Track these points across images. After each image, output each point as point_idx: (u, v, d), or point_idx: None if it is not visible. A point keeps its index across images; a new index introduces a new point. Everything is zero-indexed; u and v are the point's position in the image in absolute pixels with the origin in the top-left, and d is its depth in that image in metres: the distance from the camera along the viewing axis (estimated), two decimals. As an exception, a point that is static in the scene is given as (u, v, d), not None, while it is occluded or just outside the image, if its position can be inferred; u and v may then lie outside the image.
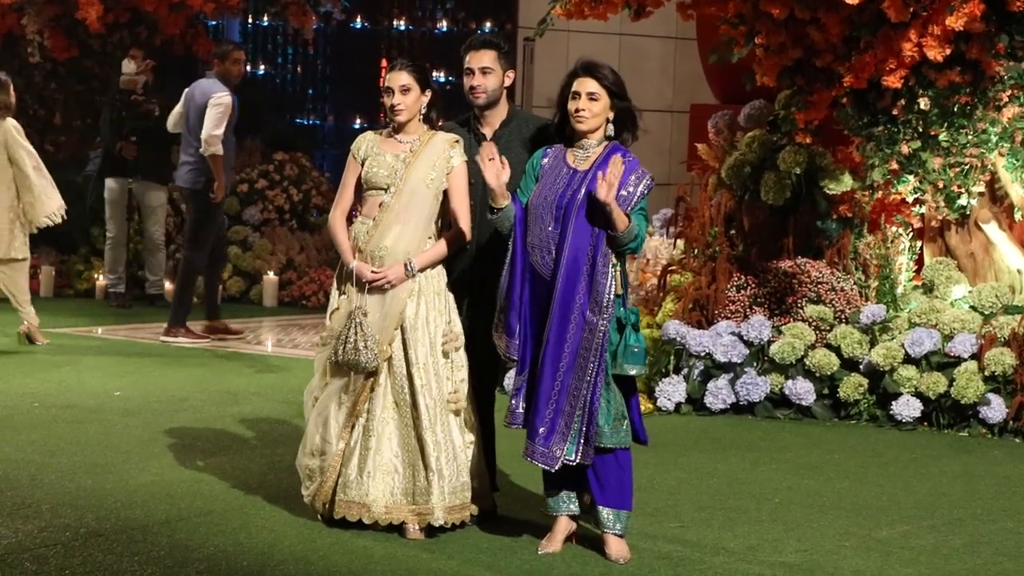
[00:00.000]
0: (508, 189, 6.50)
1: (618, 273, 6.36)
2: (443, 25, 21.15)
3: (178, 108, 13.04)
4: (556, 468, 6.35)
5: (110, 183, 14.99)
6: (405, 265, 6.69)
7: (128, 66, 14.95)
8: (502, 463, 7.54)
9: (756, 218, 11.23)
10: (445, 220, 6.87)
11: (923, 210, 10.75)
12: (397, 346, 6.70)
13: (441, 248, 6.79)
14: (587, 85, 6.47)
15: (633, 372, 6.39)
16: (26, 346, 12.19)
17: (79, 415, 9.34)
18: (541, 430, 6.35)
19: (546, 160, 6.53)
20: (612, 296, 6.31)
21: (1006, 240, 10.66)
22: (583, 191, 6.36)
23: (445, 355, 6.76)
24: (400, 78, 6.82)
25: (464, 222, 6.82)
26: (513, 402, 6.51)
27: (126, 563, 6.11)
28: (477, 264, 6.94)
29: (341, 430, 6.75)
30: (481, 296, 6.88)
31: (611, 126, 6.50)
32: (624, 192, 6.33)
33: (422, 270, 6.73)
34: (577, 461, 6.33)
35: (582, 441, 6.31)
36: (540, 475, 6.64)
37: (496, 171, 6.40)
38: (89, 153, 16.03)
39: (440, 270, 6.82)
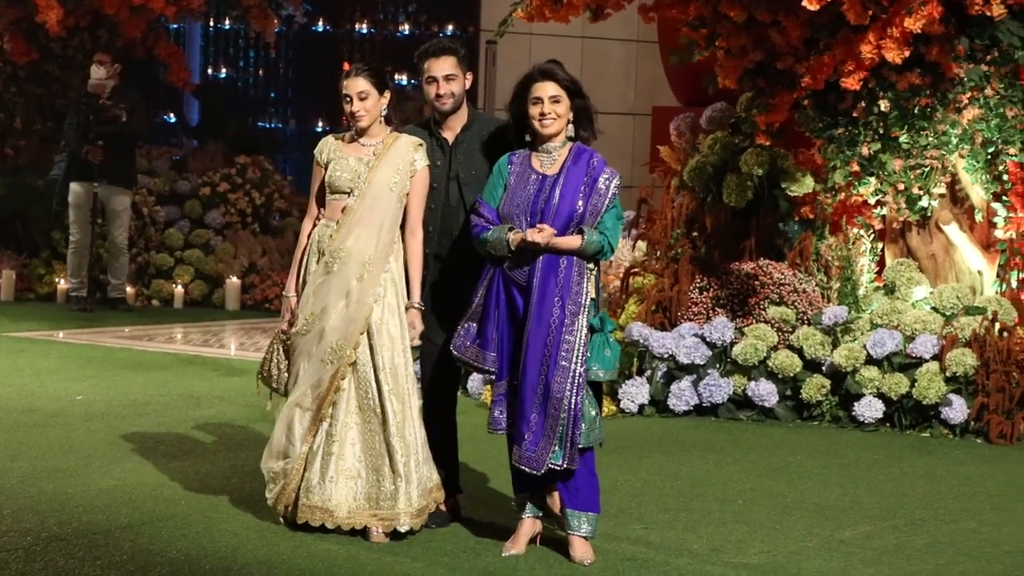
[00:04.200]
0: (474, 194, 6.64)
1: (592, 276, 6.41)
2: (405, 28, 21.10)
3: None
4: (542, 472, 6.35)
5: (75, 187, 14.90)
6: (414, 307, 6.76)
7: (98, 71, 14.85)
8: (466, 466, 7.54)
9: (718, 220, 11.26)
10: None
11: (884, 212, 10.80)
12: (363, 351, 6.69)
13: (419, 264, 6.80)
14: (548, 89, 6.48)
15: (602, 376, 6.43)
16: None
17: (40, 419, 9.29)
18: (527, 435, 6.34)
19: (512, 166, 6.54)
20: (587, 298, 6.36)
21: (967, 241, 10.71)
22: (556, 196, 6.40)
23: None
24: (357, 84, 6.80)
25: (420, 227, 6.82)
26: (496, 412, 6.48)
27: (88, 568, 6.09)
28: (437, 269, 6.95)
29: (305, 433, 6.73)
30: (442, 300, 6.89)
31: (571, 127, 6.52)
32: (593, 199, 6.40)
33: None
34: (564, 465, 6.34)
35: (568, 445, 6.32)
36: (505, 477, 6.66)
37: (547, 232, 6.37)
38: (54, 157, 15.95)
39: (401, 275, 6.81)
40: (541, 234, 6.32)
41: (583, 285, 6.38)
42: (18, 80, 16.54)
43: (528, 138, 6.57)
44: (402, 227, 6.82)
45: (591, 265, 6.43)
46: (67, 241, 15.20)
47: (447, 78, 6.92)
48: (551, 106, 6.47)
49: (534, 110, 6.49)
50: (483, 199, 6.56)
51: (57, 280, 15.81)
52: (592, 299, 6.41)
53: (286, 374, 6.90)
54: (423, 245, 6.84)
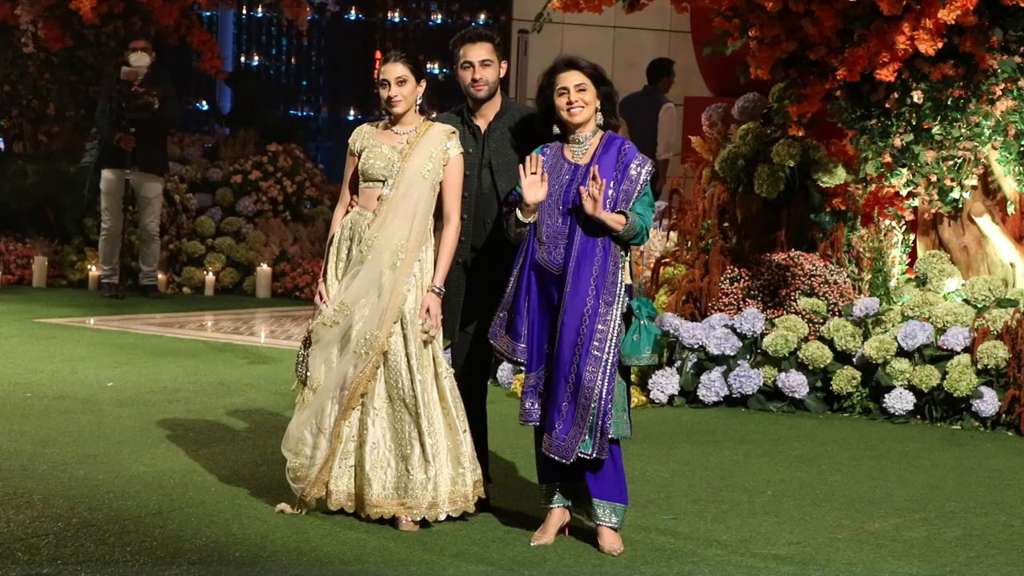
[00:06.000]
0: (507, 181, 6.66)
1: (627, 263, 6.41)
2: (437, 17, 21.10)
3: None
4: (572, 460, 6.34)
5: (107, 174, 14.94)
6: (433, 291, 6.71)
7: (142, 59, 14.85)
8: (495, 455, 7.54)
9: (749, 211, 11.22)
10: (438, 211, 6.86)
11: (916, 203, 10.76)
12: (396, 340, 6.68)
13: (449, 251, 6.77)
14: (573, 78, 6.48)
15: (638, 363, 6.42)
16: None
17: (71, 405, 9.33)
18: (558, 424, 6.34)
19: (545, 157, 6.54)
20: (623, 285, 6.36)
21: (999, 233, 10.67)
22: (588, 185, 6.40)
23: (425, 344, 6.76)
24: (396, 70, 6.80)
25: (455, 215, 6.81)
26: (527, 403, 6.49)
27: (118, 553, 6.11)
28: (471, 257, 6.94)
29: (335, 423, 6.73)
30: (475, 289, 6.89)
31: (600, 115, 6.52)
32: (625, 185, 6.38)
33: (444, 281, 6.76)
34: (593, 455, 6.34)
35: (598, 435, 6.31)
36: (533, 466, 6.65)
37: (536, 187, 6.38)
38: (85, 144, 16.00)
39: (432, 263, 6.80)
40: (595, 183, 6.27)
41: (618, 274, 6.39)
42: (52, 67, 16.61)
43: (557, 130, 6.58)
44: (438, 215, 6.82)
45: (623, 253, 6.43)
46: (99, 228, 15.25)
47: (483, 63, 6.92)
48: (577, 95, 6.47)
49: (561, 100, 6.49)
50: (517, 191, 6.56)
51: (89, 267, 15.88)
52: (627, 285, 6.42)
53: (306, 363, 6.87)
54: (460, 233, 6.84)
